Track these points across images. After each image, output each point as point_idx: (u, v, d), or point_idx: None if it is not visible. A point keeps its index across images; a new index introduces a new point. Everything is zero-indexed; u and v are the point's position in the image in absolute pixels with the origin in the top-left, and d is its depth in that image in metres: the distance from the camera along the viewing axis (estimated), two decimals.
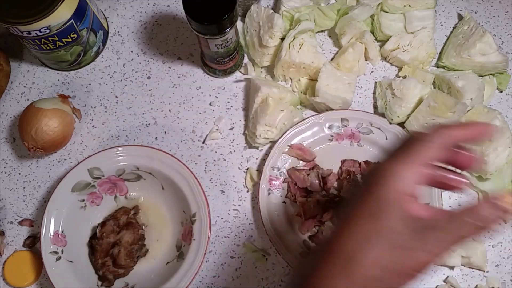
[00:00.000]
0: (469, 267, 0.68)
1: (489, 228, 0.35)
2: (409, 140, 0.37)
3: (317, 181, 0.68)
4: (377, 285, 0.35)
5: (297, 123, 0.70)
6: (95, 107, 0.75)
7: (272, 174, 0.69)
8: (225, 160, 0.72)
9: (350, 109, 0.71)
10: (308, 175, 0.68)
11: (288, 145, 0.69)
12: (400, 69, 0.75)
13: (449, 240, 0.35)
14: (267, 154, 0.71)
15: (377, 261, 0.34)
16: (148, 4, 0.79)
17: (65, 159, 0.73)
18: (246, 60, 0.76)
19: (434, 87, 0.73)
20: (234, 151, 0.72)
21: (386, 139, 0.70)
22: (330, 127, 0.70)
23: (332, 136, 0.70)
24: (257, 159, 0.72)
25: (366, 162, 0.70)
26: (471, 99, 0.68)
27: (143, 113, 0.74)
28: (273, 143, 0.71)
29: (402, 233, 0.35)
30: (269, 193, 0.68)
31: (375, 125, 0.70)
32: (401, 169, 0.36)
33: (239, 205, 0.70)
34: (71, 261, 0.65)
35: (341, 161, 0.70)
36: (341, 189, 0.67)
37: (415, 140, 0.37)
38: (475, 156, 0.39)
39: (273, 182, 0.69)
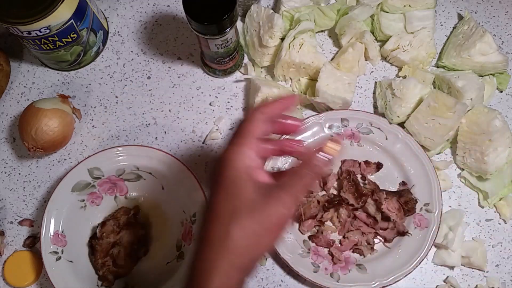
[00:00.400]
0: (469, 267, 0.68)
1: (323, 173, 0.42)
2: (240, 125, 0.44)
3: (317, 181, 0.68)
4: (255, 251, 0.40)
5: None
6: (95, 107, 0.75)
7: None
8: None
9: (350, 109, 0.71)
10: None
11: None
12: (400, 69, 0.75)
13: (296, 192, 0.41)
14: None
15: (245, 230, 0.40)
16: (148, 4, 0.79)
17: (65, 159, 0.73)
18: (246, 60, 0.76)
19: (434, 87, 0.73)
20: None
21: (386, 139, 0.70)
22: (330, 127, 0.70)
23: (332, 136, 0.70)
24: None
25: (366, 162, 0.70)
26: (471, 99, 0.68)
27: (143, 113, 0.74)
28: None
29: (257, 199, 0.41)
30: None
31: (375, 125, 0.70)
32: (241, 149, 0.42)
33: None
34: (71, 261, 0.65)
35: (341, 161, 0.70)
36: (341, 189, 0.68)
37: (243, 123, 0.43)
38: (296, 122, 0.46)
39: None
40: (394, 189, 0.69)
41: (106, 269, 0.65)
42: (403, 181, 0.69)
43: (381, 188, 0.68)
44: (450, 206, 0.70)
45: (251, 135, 0.42)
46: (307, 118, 0.70)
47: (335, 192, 0.69)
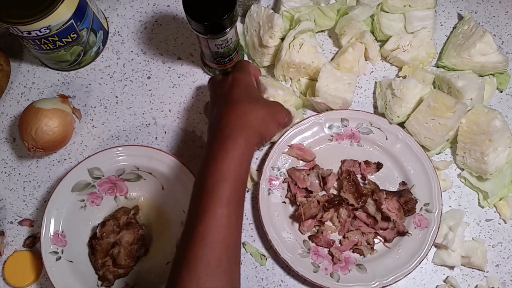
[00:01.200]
0: (469, 267, 0.68)
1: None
2: (242, 65, 0.64)
3: (317, 181, 0.68)
4: (266, 128, 0.57)
5: (297, 123, 0.70)
6: (95, 107, 0.75)
7: (272, 174, 0.69)
8: None
9: (350, 109, 0.71)
10: (308, 175, 0.68)
11: (288, 145, 0.69)
12: (400, 69, 0.75)
13: (288, 111, 0.62)
14: (267, 154, 0.71)
15: (260, 114, 0.57)
16: (148, 4, 0.79)
17: (65, 159, 0.73)
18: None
19: (434, 87, 0.73)
20: None
21: (386, 139, 0.70)
22: (330, 127, 0.70)
23: (332, 136, 0.70)
24: (257, 159, 0.72)
25: (366, 162, 0.70)
26: (471, 99, 0.68)
27: (143, 113, 0.74)
28: (273, 143, 0.71)
29: (265, 100, 0.62)
30: (269, 193, 0.68)
31: (375, 125, 0.70)
32: (250, 74, 0.63)
33: None
34: (71, 261, 0.65)
35: (341, 161, 0.70)
36: (341, 189, 0.68)
37: (245, 65, 0.64)
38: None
39: (273, 182, 0.69)
40: (394, 189, 0.69)
41: (106, 269, 0.65)
42: (403, 181, 0.69)
43: (381, 188, 0.68)
44: (450, 206, 0.70)
45: (250, 72, 0.63)
46: (307, 118, 0.70)
47: (335, 192, 0.69)
